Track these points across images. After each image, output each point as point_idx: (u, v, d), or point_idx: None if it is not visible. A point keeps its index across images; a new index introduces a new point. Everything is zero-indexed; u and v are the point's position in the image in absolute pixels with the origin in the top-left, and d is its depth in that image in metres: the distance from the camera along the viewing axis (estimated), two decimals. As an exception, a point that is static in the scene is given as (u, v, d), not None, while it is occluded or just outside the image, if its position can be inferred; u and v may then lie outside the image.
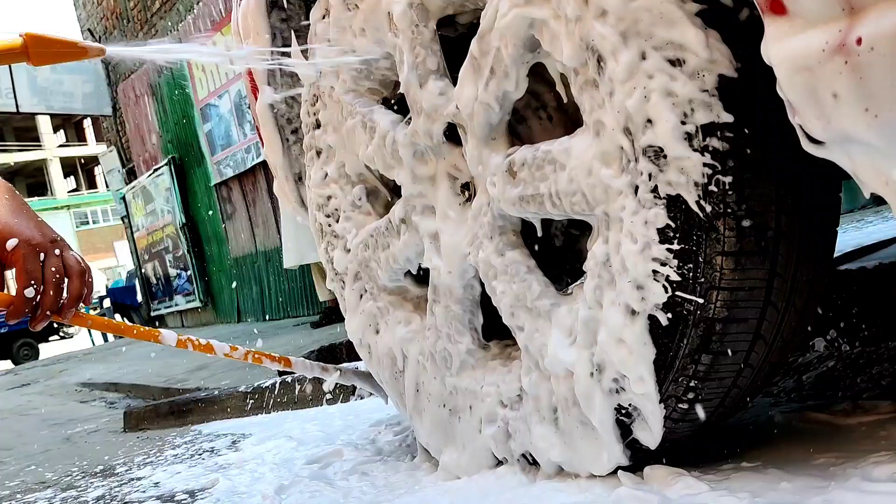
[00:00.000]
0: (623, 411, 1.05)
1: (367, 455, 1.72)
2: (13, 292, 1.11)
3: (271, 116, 1.66)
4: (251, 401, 3.16)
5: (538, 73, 1.16)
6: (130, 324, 1.33)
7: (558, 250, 1.36)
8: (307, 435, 2.23)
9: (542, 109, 1.31)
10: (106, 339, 12.78)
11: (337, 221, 1.53)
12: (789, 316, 1.01)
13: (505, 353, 1.31)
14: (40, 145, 34.56)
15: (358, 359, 3.65)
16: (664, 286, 0.95)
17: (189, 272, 10.49)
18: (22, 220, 1.12)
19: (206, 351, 1.35)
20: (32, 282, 1.09)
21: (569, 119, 1.31)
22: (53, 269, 1.10)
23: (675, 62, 0.88)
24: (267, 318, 8.97)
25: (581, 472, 1.14)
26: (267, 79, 1.65)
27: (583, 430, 1.11)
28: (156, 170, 10.61)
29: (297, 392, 2.93)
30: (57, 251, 1.12)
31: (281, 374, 4.13)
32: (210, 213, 9.97)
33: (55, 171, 35.18)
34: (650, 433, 1.04)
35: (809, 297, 1.03)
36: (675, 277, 0.94)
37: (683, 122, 0.89)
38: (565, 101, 1.11)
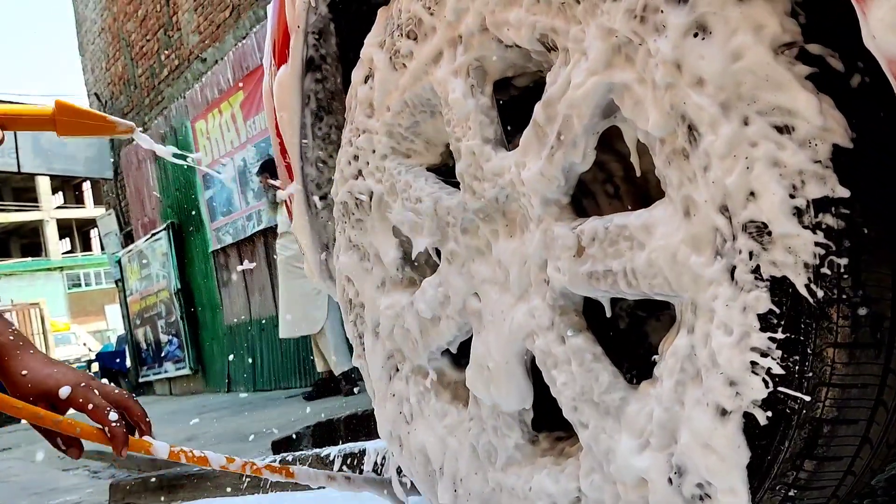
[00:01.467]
0: (707, 522, 0.92)
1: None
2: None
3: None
4: (248, 479, 2.99)
5: (605, 142, 1.07)
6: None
7: (621, 333, 1.26)
8: (314, 521, 2.07)
9: (609, 182, 1.22)
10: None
11: (369, 294, 1.42)
12: (897, 418, 0.90)
13: (556, 447, 1.18)
14: (38, 206, 34.57)
15: (356, 437, 3.49)
16: (764, 380, 0.84)
17: (181, 339, 10.31)
18: (54, 367, 1.17)
19: (201, 463, 1.24)
20: (107, 409, 1.14)
21: (638, 191, 1.22)
22: (114, 393, 1.18)
23: (783, 129, 0.79)
24: (258, 388, 8.77)
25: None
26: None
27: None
28: (154, 234, 10.54)
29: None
30: (94, 384, 1.18)
31: (275, 450, 3.96)
32: (206, 279, 9.86)
33: (51, 233, 35.10)
34: (738, 550, 0.91)
35: (917, 396, 0.92)
36: (777, 371, 0.83)
37: (792, 196, 0.79)
38: (639, 173, 1.02)
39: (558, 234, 1.04)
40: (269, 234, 7.84)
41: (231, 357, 9.28)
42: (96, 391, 1.15)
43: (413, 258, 1.33)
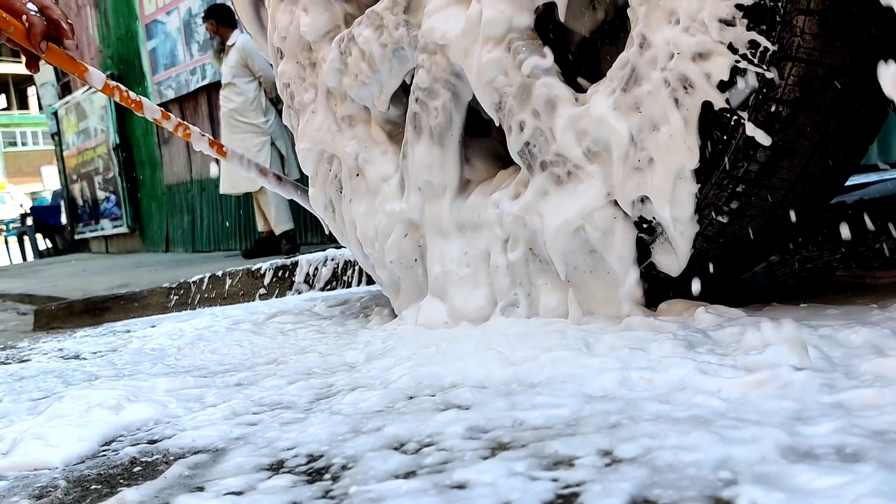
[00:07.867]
0: (645, 226, 0.87)
1: (305, 317, 1.51)
2: None
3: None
4: (175, 297, 2.91)
5: None
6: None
7: (574, 59, 1.17)
8: (233, 314, 2.01)
9: None
10: (24, 258, 12.19)
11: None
12: (859, 125, 0.83)
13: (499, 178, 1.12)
14: (-30, 59, 32.80)
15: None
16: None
17: (118, 196, 10.03)
18: None
19: (136, 109, 1.21)
20: (25, 2, 1.13)
21: None
22: None
23: None
24: (197, 249, 8.64)
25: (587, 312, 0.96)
26: None
27: (591, 262, 0.92)
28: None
29: (227, 287, 2.70)
30: None
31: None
32: (146, 136, 9.53)
33: (-16, 88, 33.48)
34: (674, 256, 0.86)
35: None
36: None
37: None
38: None
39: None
40: (213, 90, 7.53)
41: (170, 216, 9.08)
42: None
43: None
